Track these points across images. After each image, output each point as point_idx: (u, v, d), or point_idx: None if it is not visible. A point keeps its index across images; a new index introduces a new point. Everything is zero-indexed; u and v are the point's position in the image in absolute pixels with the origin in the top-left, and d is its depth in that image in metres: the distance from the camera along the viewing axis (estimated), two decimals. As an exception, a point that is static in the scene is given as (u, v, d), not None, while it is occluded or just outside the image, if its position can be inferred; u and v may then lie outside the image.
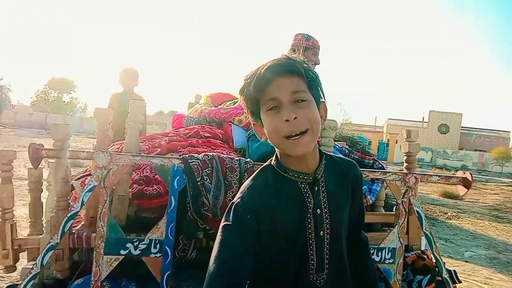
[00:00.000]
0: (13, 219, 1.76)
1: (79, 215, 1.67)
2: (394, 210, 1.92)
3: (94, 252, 1.52)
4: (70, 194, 1.81)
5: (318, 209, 0.97)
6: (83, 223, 1.75)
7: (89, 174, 1.90)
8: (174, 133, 2.19)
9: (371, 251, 1.67)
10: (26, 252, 1.83)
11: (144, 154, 1.76)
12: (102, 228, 1.52)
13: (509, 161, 28.50)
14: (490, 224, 7.33)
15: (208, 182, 1.59)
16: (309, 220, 0.96)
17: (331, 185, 1.01)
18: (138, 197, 1.71)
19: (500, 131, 38.45)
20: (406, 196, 1.70)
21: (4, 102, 38.52)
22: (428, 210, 7.97)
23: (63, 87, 42.77)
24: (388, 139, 30.04)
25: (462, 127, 37.19)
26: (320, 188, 0.99)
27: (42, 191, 1.95)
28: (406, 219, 1.70)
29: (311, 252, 0.96)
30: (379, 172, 1.76)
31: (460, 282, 1.79)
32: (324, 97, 1.03)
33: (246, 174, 1.64)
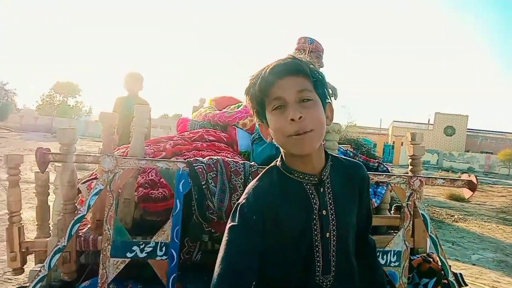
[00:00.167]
0: (21, 222, 1.78)
1: (86, 218, 1.69)
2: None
3: (101, 255, 1.53)
4: (76, 198, 1.82)
5: (324, 210, 0.97)
6: (89, 226, 1.77)
7: (95, 178, 1.92)
8: (179, 137, 2.21)
9: (377, 254, 1.67)
10: (33, 254, 1.85)
11: (149, 158, 1.77)
12: (109, 231, 1.53)
13: (516, 163, 28.23)
14: (498, 226, 7.27)
15: (213, 185, 1.60)
16: (314, 222, 0.96)
17: (337, 186, 1.00)
18: (143, 200, 1.72)
19: (507, 133, 38.11)
20: (411, 199, 1.69)
21: (10, 106, 38.94)
22: (434, 213, 7.92)
23: (68, 91, 43.16)
24: (394, 142, 29.92)
25: (468, 129, 36.92)
26: (326, 189, 0.99)
27: (49, 195, 1.97)
28: (411, 222, 1.70)
29: (317, 254, 0.95)
30: (384, 175, 1.76)
31: (466, 285, 1.78)
32: (330, 98, 1.02)
33: (250, 178, 1.65)
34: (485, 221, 7.70)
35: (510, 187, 15.84)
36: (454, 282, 1.67)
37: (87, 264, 1.72)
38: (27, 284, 1.53)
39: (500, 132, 38.51)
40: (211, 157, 1.72)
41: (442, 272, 1.73)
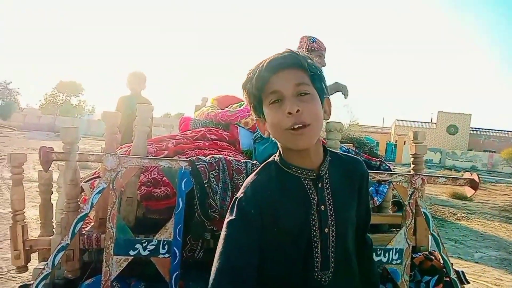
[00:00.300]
0: (24, 220, 1.79)
1: (89, 217, 1.70)
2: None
3: (104, 253, 1.54)
4: (79, 196, 1.83)
5: (322, 206, 0.96)
6: (92, 224, 1.78)
7: (98, 177, 1.93)
8: (181, 136, 2.22)
9: (379, 252, 1.68)
10: (37, 252, 1.86)
11: (151, 157, 1.78)
12: (112, 229, 1.54)
13: (519, 162, 28.15)
14: (500, 225, 7.25)
15: (215, 184, 1.61)
16: (313, 217, 0.95)
17: (336, 182, 0.99)
18: (146, 199, 1.73)
19: (510, 131, 37.96)
20: (413, 197, 1.69)
21: (13, 106, 39.13)
22: (437, 211, 7.91)
23: (71, 90, 43.37)
24: (396, 140, 29.87)
25: (471, 127, 36.81)
26: (324, 184, 0.97)
27: (52, 193, 1.98)
28: (413, 220, 1.70)
29: (316, 250, 0.95)
30: (386, 174, 1.76)
31: (468, 283, 1.78)
32: (328, 92, 1.01)
33: (252, 176, 1.66)
34: (488, 220, 7.68)
35: (513, 185, 15.79)
36: (456, 279, 1.67)
37: (91, 262, 1.73)
38: (31, 282, 1.54)
39: (503, 130, 38.38)
40: (213, 155, 1.73)
41: (444, 270, 1.73)
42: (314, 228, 0.95)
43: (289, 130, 0.90)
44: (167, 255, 1.57)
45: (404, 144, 27.99)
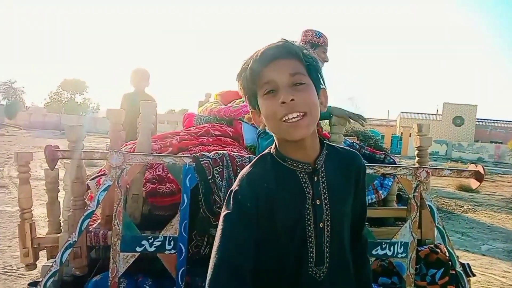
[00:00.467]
0: (32, 218, 1.81)
1: (95, 214, 1.72)
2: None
3: (111, 250, 1.56)
4: (86, 194, 1.85)
5: (318, 200, 0.94)
6: (99, 221, 1.80)
7: (104, 174, 1.94)
8: (185, 132, 2.22)
9: (384, 246, 1.68)
10: (45, 250, 1.89)
11: (156, 154, 1.79)
12: (118, 226, 1.56)
13: (526, 153, 27.90)
14: (508, 217, 7.20)
15: (219, 180, 1.62)
16: (308, 211, 0.93)
17: (332, 176, 0.97)
18: (151, 195, 1.74)
19: (516, 122, 37.62)
20: (417, 190, 1.69)
21: (18, 104, 39.36)
22: (444, 204, 7.88)
23: (76, 88, 43.57)
24: (402, 133, 29.70)
25: (477, 119, 36.46)
26: (320, 178, 0.95)
27: (59, 191, 1.99)
28: (418, 213, 1.70)
29: (310, 245, 0.93)
30: (390, 167, 1.76)
31: (474, 275, 1.78)
32: (324, 84, 0.98)
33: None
34: (495, 212, 7.64)
35: (521, 176, 15.67)
36: (461, 272, 1.67)
37: (98, 258, 1.75)
38: (40, 279, 1.56)
39: (509, 121, 37.99)
40: (217, 151, 1.73)
41: (450, 262, 1.73)
42: (308, 222, 0.93)
43: (284, 122, 0.88)
44: (173, 251, 1.58)
45: (410, 136, 27.79)
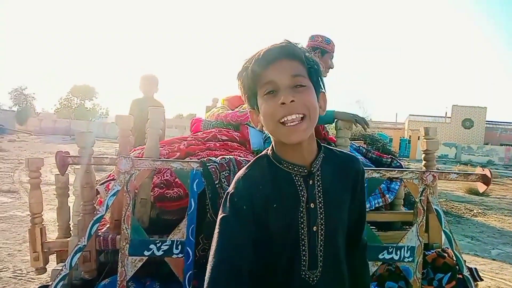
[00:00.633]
0: (42, 223, 1.84)
1: (104, 218, 1.74)
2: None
3: (119, 254, 1.58)
4: (95, 199, 1.88)
5: (312, 204, 0.93)
6: (108, 226, 1.82)
7: (113, 179, 1.97)
8: (192, 137, 2.25)
9: (390, 250, 1.68)
10: (55, 254, 1.92)
11: (164, 159, 1.82)
12: (127, 231, 1.58)
13: (538, 155, 27.48)
14: (518, 221, 7.11)
15: (226, 184, 1.63)
16: (301, 214, 0.92)
17: (328, 179, 0.96)
18: (159, 200, 1.76)
19: (527, 124, 37.09)
20: (424, 194, 1.69)
21: (29, 110, 39.92)
22: (453, 208, 7.79)
23: (85, 94, 44.06)
24: (410, 136, 29.46)
25: (487, 121, 36.01)
26: (315, 182, 0.94)
27: (68, 196, 2.03)
28: (424, 218, 1.70)
29: (303, 248, 0.92)
30: (396, 171, 1.76)
31: (481, 280, 1.77)
32: (324, 88, 0.98)
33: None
34: (505, 215, 7.52)
35: (532, 180, 15.42)
36: (469, 277, 1.66)
37: (107, 262, 1.78)
38: (50, 283, 1.59)
39: (520, 123, 37.49)
40: (224, 156, 1.75)
41: (457, 267, 1.72)
42: (302, 226, 0.92)
43: (281, 124, 0.88)
44: (180, 255, 1.60)
45: (418, 139, 27.55)
